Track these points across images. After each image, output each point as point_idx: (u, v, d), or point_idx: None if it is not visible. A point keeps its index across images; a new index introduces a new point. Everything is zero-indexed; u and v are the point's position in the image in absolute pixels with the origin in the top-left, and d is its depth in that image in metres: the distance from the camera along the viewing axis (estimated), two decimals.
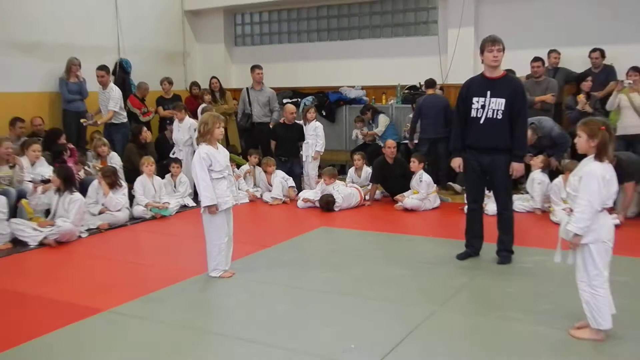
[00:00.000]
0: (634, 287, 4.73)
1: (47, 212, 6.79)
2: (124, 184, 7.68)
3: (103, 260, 5.92)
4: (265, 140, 9.48)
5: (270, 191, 8.52)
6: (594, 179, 3.63)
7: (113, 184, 7.32)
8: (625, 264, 5.17)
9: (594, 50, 8.64)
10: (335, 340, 3.86)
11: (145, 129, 9.07)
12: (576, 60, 8.95)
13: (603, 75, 8.50)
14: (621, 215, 6.50)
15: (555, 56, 8.97)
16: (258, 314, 4.38)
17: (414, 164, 7.83)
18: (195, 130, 8.67)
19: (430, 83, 9.15)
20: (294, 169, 8.98)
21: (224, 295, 4.82)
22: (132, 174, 8.34)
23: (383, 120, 9.60)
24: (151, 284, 5.02)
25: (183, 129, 8.94)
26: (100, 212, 7.22)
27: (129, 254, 6.33)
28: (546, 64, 8.79)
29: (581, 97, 8.20)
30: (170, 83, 10.55)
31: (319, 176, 8.56)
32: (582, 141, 3.75)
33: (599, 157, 3.69)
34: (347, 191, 8.00)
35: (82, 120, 8.89)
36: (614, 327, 3.73)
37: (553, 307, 4.29)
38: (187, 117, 9.02)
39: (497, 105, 5.25)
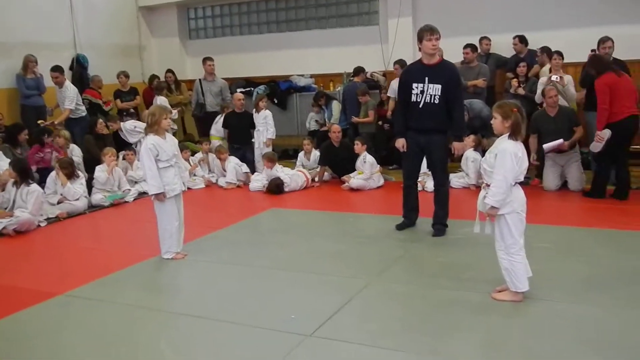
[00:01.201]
0: (552, 252, 4.88)
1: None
2: (82, 174, 7.53)
3: (60, 248, 5.83)
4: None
5: (224, 176, 8.47)
6: (508, 156, 3.73)
7: (70, 175, 7.17)
8: (547, 232, 5.34)
9: (515, 37, 8.78)
10: (277, 312, 3.90)
11: (100, 121, 8.88)
12: (506, 46, 9.09)
13: (528, 59, 8.65)
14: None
15: (487, 43, 9.08)
16: (207, 292, 4.39)
17: (358, 146, 7.88)
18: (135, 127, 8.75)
19: (357, 71, 9.30)
20: (247, 155, 8.93)
21: (175, 276, 4.81)
22: (90, 163, 8.19)
23: (336, 106, 9.60)
24: (106, 268, 4.96)
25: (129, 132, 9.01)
26: (59, 202, 7.06)
27: (86, 240, 6.23)
28: (479, 51, 8.90)
29: (514, 82, 8.32)
30: (127, 76, 10.33)
31: None
32: (497, 122, 3.84)
33: (513, 136, 3.80)
34: (291, 172, 8.04)
35: (39, 122, 8.63)
36: (531, 289, 3.86)
37: (478, 273, 4.41)
38: (121, 124, 9.07)
39: (434, 90, 5.36)
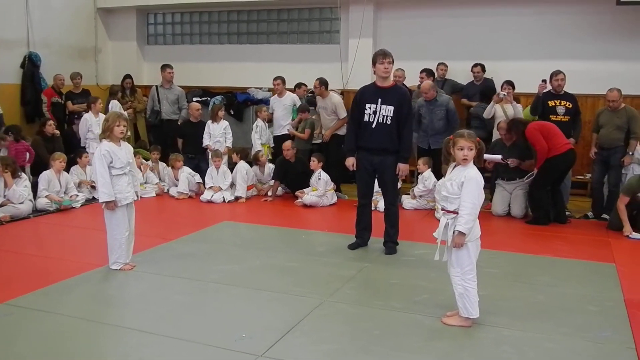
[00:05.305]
0: (499, 277, 4.99)
1: None
2: (25, 175, 7.26)
3: (2, 253, 5.56)
4: (173, 137, 9.27)
5: (176, 186, 8.33)
6: (477, 185, 3.78)
7: (14, 173, 6.90)
8: (494, 257, 5.45)
9: (476, 65, 9.02)
10: (228, 330, 3.82)
11: (50, 122, 8.60)
12: (461, 73, 9.33)
13: (483, 87, 8.88)
14: None
15: (443, 68, 9.27)
16: (155, 306, 4.27)
17: (314, 162, 7.88)
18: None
19: (296, 85, 9.43)
20: (201, 165, 8.80)
21: (123, 288, 4.66)
22: (38, 166, 7.92)
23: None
24: (51, 277, 4.78)
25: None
26: (2, 205, 6.77)
27: (30, 246, 5.99)
28: (435, 76, 9.06)
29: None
30: (81, 78, 10.07)
31: None
32: (472, 153, 3.81)
33: (478, 164, 3.86)
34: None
35: None
36: (479, 314, 3.90)
37: (429, 297, 4.45)
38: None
39: (386, 111, 5.45)
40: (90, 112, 8.65)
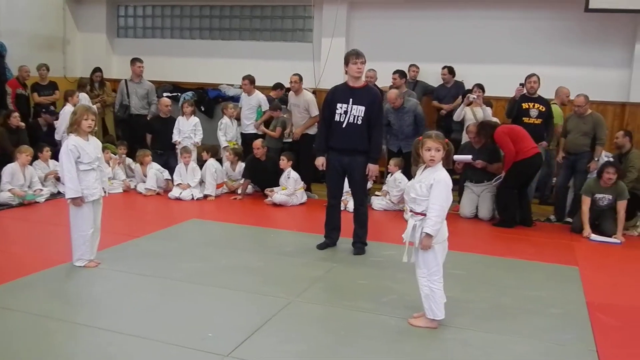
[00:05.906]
0: (466, 279, 5.04)
1: None
2: None
3: None
4: (142, 132, 9.13)
5: (144, 182, 8.21)
6: (446, 187, 3.80)
7: None
8: (461, 258, 5.49)
9: (444, 67, 9.11)
10: (194, 329, 3.78)
11: (15, 114, 8.40)
12: (432, 75, 9.42)
13: (454, 89, 8.98)
14: None
15: (414, 70, 9.34)
16: (120, 304, 4.20)
17: (283, 161, 7.85)
18: None
19: (275, 86, 9.35)
20: (170, 161, 8.69)
21: (87, 285, 4.57)
22: (2, 159, 7.72)
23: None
24: (12, 273, 4.66)
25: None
26: None
27: None
28: (407, 77, 9.11)
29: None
30: (48, 69, 9.86)
31: None
32: (439, 154, 3.82)
33: (446, 165, 3.88)
34: None
35: None
36: (445, 315, 3.93)
37: (396, 298, 4.47)
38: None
39: (357, 111, 5.45)
40: (68, 104, 8.43)
